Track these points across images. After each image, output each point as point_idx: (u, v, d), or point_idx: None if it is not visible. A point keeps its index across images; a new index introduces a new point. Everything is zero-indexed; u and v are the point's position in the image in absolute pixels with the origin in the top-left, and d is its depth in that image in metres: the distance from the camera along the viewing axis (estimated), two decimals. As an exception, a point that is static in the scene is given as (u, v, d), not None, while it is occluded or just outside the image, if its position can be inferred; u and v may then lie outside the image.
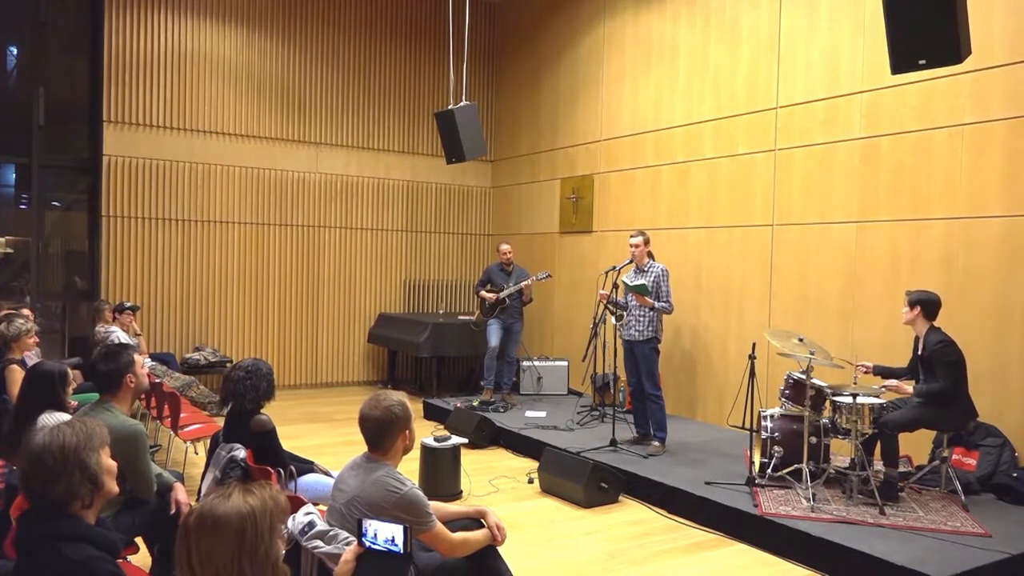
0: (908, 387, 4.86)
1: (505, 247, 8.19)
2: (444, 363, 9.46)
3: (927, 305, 4.91)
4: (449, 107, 6.65)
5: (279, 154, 9.19)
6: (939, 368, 4.75)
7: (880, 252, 5.98)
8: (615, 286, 6.21)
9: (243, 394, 3.75)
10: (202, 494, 3.71)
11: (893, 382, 4.88)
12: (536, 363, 8.69)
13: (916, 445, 5.44)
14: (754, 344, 5.32)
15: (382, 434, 2.76)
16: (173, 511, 3.28)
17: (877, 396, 4.89)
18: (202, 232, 8.75)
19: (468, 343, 8.74)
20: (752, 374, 5.14)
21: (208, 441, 4.40)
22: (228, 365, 8.19)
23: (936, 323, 4.92)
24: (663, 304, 6.09)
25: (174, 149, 8.62)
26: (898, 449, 4.84)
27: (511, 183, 10.32)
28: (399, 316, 9.49)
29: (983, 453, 5.16)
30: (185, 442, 5.36)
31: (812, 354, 4.96)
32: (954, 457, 5.22)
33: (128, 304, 7.55)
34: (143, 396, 5.55)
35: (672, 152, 7.75)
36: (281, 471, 3.62)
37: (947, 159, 5.59)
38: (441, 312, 9.87)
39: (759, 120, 6.88)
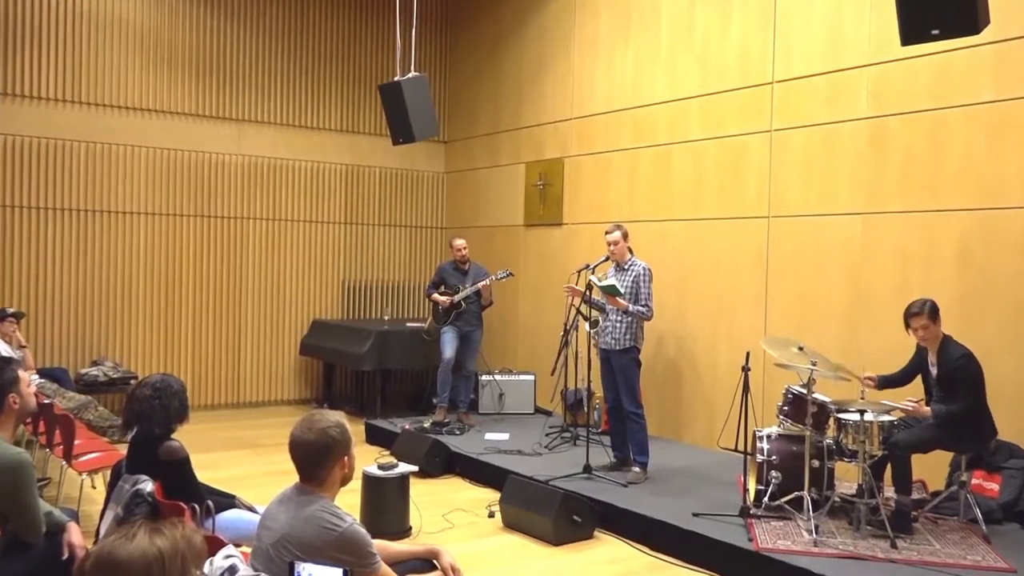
0: (925, 408, 4.90)
1: (460, 242, 8.18)
2: (390, 378, 9.48)
3: (938, 311, 4.98)
4: (396, 79, 6.64)
5: (194, 133, 9.08)
6: (960, 387, 4.82)
7: (889, 248, 6.08)
8: (588, 286, 6.24)
9: (150, 416, 3.71)
10: (101, 535, 3.64)
11: (909, 405, 4.91)
12: (497, 377, 8.70)
13: (931, 468, 5.50)
14: (748, 354, 5.35)
15: (317, 461, 2.73)
16: (66, 556, 3.24)
17: (887, 412, 4.97)
18: (101, 224, 8.62)
19: (418, 354, 8.74)
20: (746, 388, 5.18)
21: (108, 473, 4.34)
22: (132, 382, 8.05)
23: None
24: (640, 308, 6.11)
25: (68, 126, 8.47)
26: (911, 473, 4.92)
27: (468, 168, 10.31)
28: (337, 323, 9.46)
29: (1006, 477, 5.25)
30: (80, 474, 5.29)
31: (814, 365, 5.00)
32: (974, 482, 5.31)
33: (10, 311, 7.42)
34: (29, 420, 5.45)
35: (653, 133, 7.80)
36: (196, 507, 3.58)
37: (964, 142, 5.70)
38: (386, 318, 9.85)
39: (752, 97, 6.94)
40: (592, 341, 7.28)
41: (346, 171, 9.99)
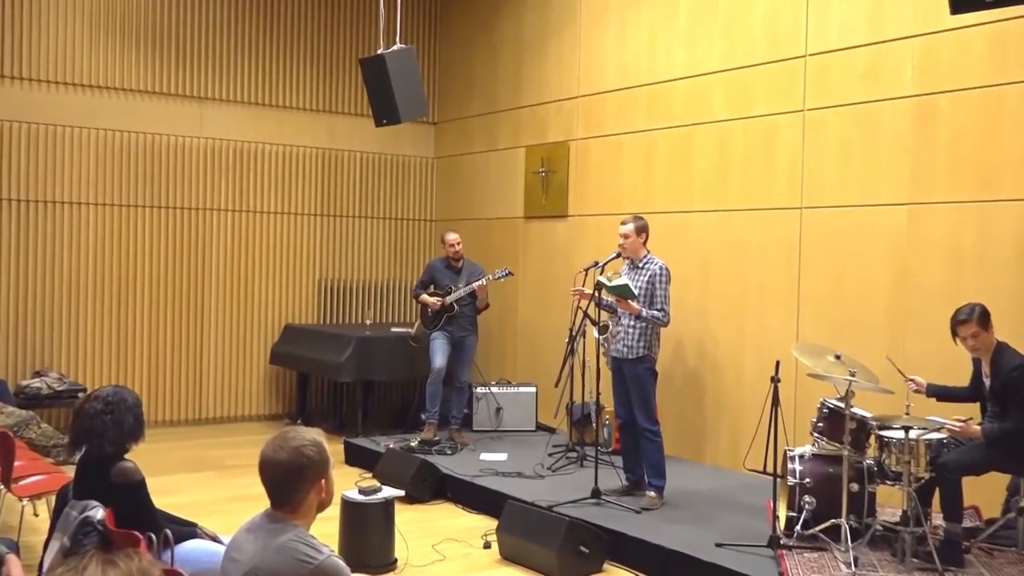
0: (974, 428, 4.92)
1: (453, 237, 8.20)
2: (372, 390, 9.47)
3: (988, 316, 4.99)
4: (379, 51, 6.64)
5: (149, 113, 9.09)
6: (1015, 401, 4.83)
7: (938, 243, 6.09)
8: (597, 287, 6.25)
9: (101, 433, 3.71)
10: (45, 569, 3.65)
11: (957, 424, 4.92)
12: (494, 390, 8.72)
13: (985, 493, 5.48)
14: (778, 363, 5.37)
15: (290, 484, 2.74)
16: (4, 592, 3.27)
17: (936, 430, 4.98)
18: (43, 216, 8.63)
19: (404, 364, 8.77)
20: (776, 402, 5.19)
21: (53, 498, 4.33)
22: (80, 395, 8.05)
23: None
24: (654, 312, 6.13)
25: (5, 105, 8.48)
26: (962, 498, 4.91)
27: (460, 152, 10.32)
28: (312, 329, 9.50)
29: (1070, 502, 5.27)
30: (21, 499, 5.28)
31: (852, 375, 5.01)
32: (1034, 508, 5.33)
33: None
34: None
35: (671, 113, 7.81)
36: (153, 536, 3.59)
37: (1022, 123, 5.73)
38: (368, 323, 9.84)
39: (783, 72, 6.97)
40: (601, 349, 7.28)
41: (322, 156, 9.99)
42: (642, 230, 6.29)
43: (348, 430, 8.76)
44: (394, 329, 9.23)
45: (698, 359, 7.52)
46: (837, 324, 6.55)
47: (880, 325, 6.33)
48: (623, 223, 6.29)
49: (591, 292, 6.28)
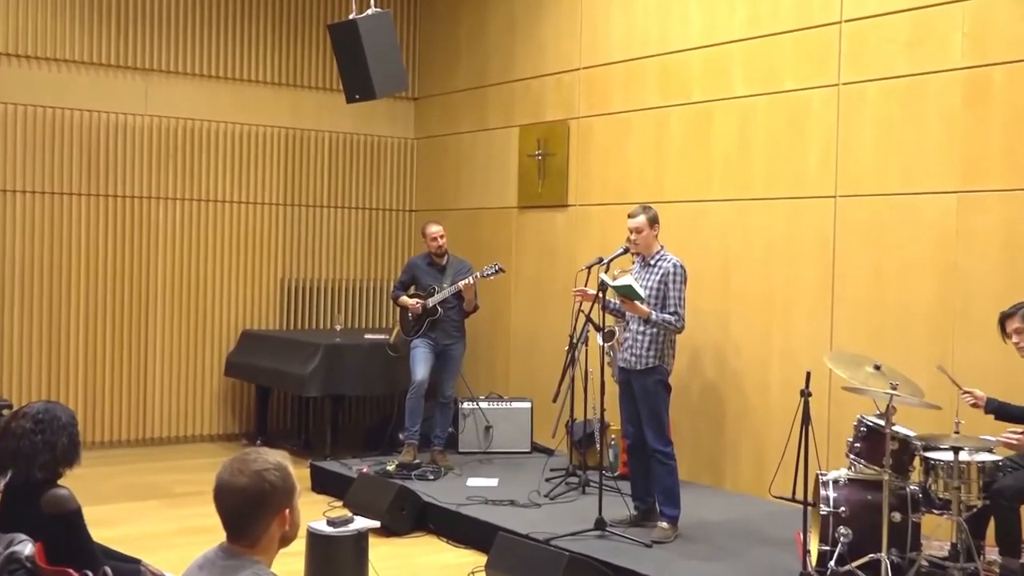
0: None
1: (436, 229, 8.18)
2: (343, 406, 9.37)
3: None
4: (350, 16, 6.61)
5: (86, 86, 9.07)
6: None
7: (992, 235, 6.06)
8: (601, 286, 6.26)
9: (30, 456, 3.70)
10: (-35, 612, 3.60)
11: (1013, 437, 4.92)
12: (484, 405, 8.69)
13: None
14: (808, 374, 5.37)
15: (249, 514, 2.72)
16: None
17: (990, 450, 4.98)
18: (-41, 206, 8.69)
19: (380, 376, 8.76)
20: (806, 419, 5.20)
21: (-27, 531, 4.30)
22: (5, 412, 7.99)
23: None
24: (666, 316, 6.13)
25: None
26: (1021, 530, 4.92)
27: (445, 133, 10.27)
28: (274, 335, 9.48)
29: None
30: (-63, 533, 5.22)
31: (894, 388, 5.02)
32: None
33: None
34: None
35: (686, 88, 7.78)
36: (89, 574, 3.55)
37: (1089, 99, 5.75)
38: (339, 328, 9.83)
39: (814, 41, 6.93)
40: (607, 358, 7.28)
41: (286, 137, 9.95)
42: (654, 222, 6.28)
43: (315, 452, 8.71)
44: (368, 336, 9.21)
45: (717, 370, 7.50)
46: (877, 329, 6.54)
47: (926, 330, 6.31)
48: (632, 215, 6.28)
49: (594, 292, 6.28)
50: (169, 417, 9.46)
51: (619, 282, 6.12)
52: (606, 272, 6.34)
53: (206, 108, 9.58)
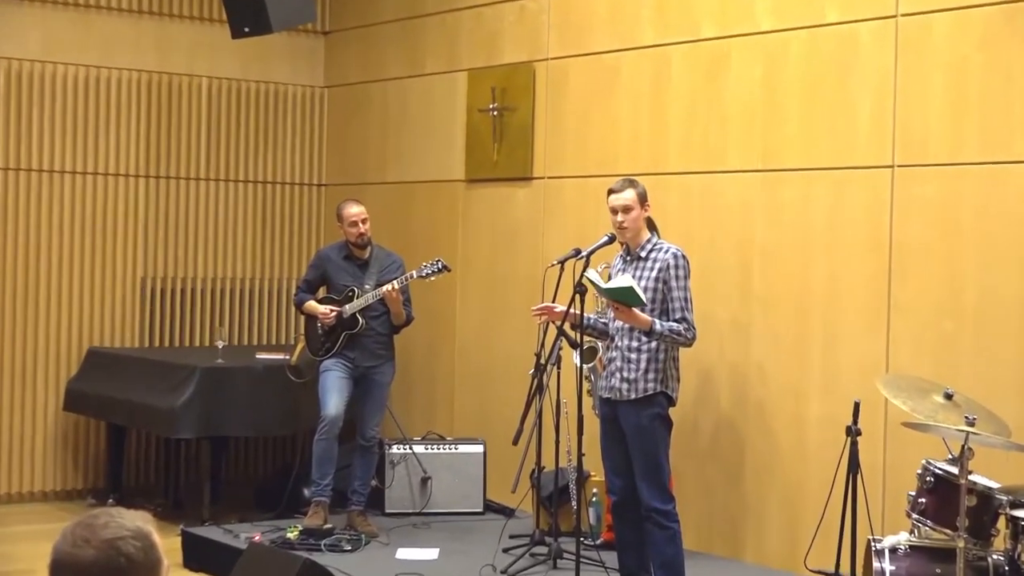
0: None
1: (355, 211, 8.14)
2: (227, 452, 9.43)
3: None
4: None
5: None
6: None
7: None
8: (577, 289, 6.19)
9: None
10: None
11: None
12: (420, 450, 8.66)
13: None
14: (856, 404, 5.44)
15: (98, 599, 2.66)
16: None
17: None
18: None
19: (278, 410, 8.72)
20: (854, 466, 5.21)
21: None
22: None
23: None
24: (673, 326, 6.13)
25: None
26: None
27: (366, 79, 10.27)
28: (131, 355, 9.45)
29: None
30: None
31: (971, 424, 5.04)
32: None
33: None
34: None
35: (691, 22, 7.78)
36: None
37: None
38: (221, 346, 9.44)
39: (865, -45, 6.90)
40: (586, 385, 7.25)
41: (148, 83, 9.91)
42: (645, 199, 6.28)
43: (189, 514, 8.67)
44: (261, 355, 9.18)
45: (735, 400, 7.48)
46: (948, 345, 6.50)
47: (1017, 347, 6.28)
48: (615, 190, 6.28)
49: (564, 309, 6.27)
50: (-12, 467, 9.40)
51: (615, 283, 6.10)
52: (589, 270, 6.29)
53: (38, 44, 9.51)
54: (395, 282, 7.87)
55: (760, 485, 7.34)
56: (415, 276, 7.91)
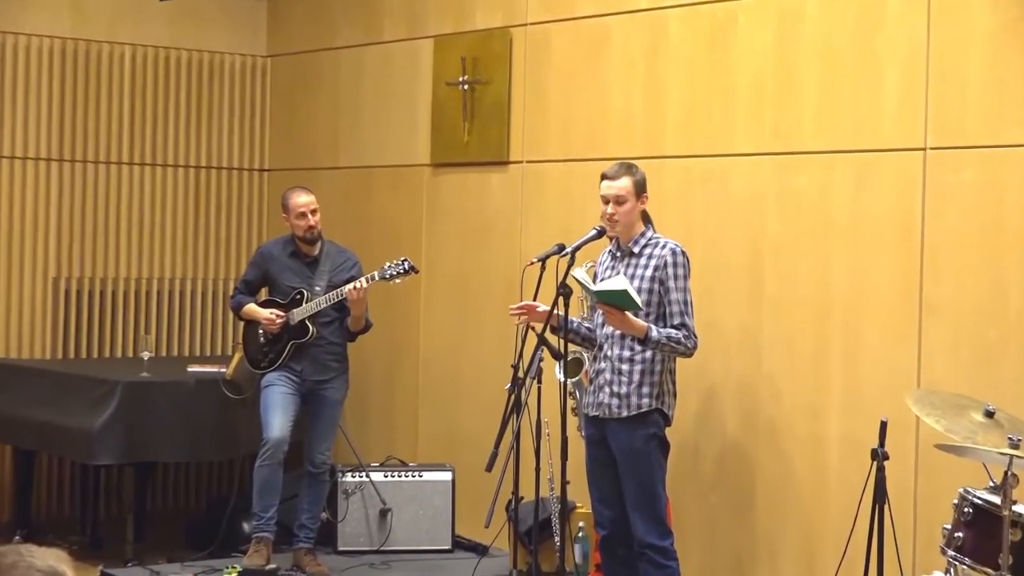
0: None
1: (304, 200, 8.23)
2: (153, 480, 9.55)
3: None
4: None
5: None
6: None
7: None
8: (560, 291, 6.18)
9: None
10: None
11: None
12: (379, 477, 8.69)
13: None
14: (883, 424, 5.43)
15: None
16: None
17: None
18: None
19: (212, 431, 8.77)
20: (881, 495, 5.21)
21: None
22: None
23: None
24: (671, 332, 6.23)
25: None
26: None
27: (315, 48, 10.40)
28: (41, 368, 9.53)
29: None
30: None
31: (1015, 446, 5.05)
32: None
33: None
34: None
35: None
36: None
37: None
38: (147, 357, 9.44)
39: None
40: (571, 403, 7.24)
41: (63, 52, 9.99)
42: (642, 188, 6.27)
43: (109, 553, 8.72)
44: (193, 368, 9.19)
45: (743, 419, 7.48)
46: (990, 354, 6.50)
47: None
48: (609, 176, 6.28)
49: (547, 309, 6.29)
50: None
51: (607, 285, 6.10)
52: (576, 269, 6.30)
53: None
54: (363, 280, 7.83)
55: (772, 517, 7.33)
56: (377, 278, 7.91)
